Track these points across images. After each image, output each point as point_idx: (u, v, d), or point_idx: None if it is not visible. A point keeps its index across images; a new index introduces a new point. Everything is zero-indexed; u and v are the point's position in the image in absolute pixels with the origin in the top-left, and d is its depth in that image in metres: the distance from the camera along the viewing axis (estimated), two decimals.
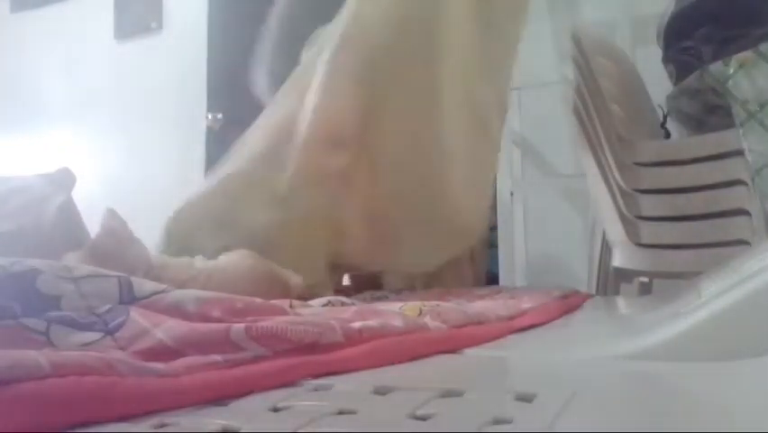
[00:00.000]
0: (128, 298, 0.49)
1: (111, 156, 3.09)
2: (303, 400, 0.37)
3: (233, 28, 2.93)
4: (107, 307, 0.47)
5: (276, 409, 0.35)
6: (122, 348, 0.43)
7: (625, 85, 1.76)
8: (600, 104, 1.59)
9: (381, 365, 0.48)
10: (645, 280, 1.74)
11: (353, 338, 0.51)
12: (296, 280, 0.97)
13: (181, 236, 1.02)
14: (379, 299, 0.96)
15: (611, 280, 1.60)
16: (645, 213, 1.54)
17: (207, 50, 2.95)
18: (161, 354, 0.42)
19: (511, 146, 2.08)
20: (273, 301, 0.61)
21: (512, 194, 2.11)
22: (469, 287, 1.23)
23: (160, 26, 3.10)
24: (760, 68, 1.39)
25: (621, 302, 1.33)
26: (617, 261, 1.55)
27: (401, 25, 1.10)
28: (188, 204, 1.08)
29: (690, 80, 1.58)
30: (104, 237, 0.85)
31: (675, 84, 1.74)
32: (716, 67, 1.45)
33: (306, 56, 1.27)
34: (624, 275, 1.61)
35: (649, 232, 1.54)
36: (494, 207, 1.93)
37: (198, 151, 2.85)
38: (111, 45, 3.21)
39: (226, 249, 0.94)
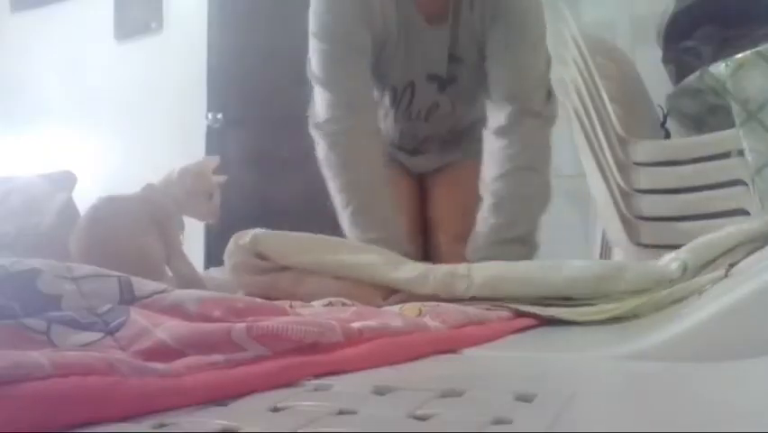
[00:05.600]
0: (128, 297, 0.49)
1: (111, 156, 3.09)
2: (303, 400, 0.37)
3: (233, 28, 2.93)
4: (108, 306, 0.47)
5: (276, 409, 0.35)
6: (122, 348, 0.43)
7: (625, 85, 1.76)
8: (600, 104, 1.60)
9: (381, 365, 0.48)
10: None
11: (353, 338, 0.51)
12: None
13: None
14: None
15: None
16: (645, 213, 1.54)
17: (207, 50, 2.95)
18: (162, 354, 0.42)
19: None
20: (273, 302, 0.61)
21: None
22: None
23: (160, 26, 3.10)
24: (760, 68, 1.39)
25: None
26: (617, 261, 1.54)
27: None
28: None
29: (690, 80, 1.57)
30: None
31: (675, 84, 1.74)
32: (716, 67, 1.45)
33: None
34: None
35: (649, 232, 1.54)
36: None
37: (198, 151, 2.85)
38: (111, 45, 3.21)
39: None
